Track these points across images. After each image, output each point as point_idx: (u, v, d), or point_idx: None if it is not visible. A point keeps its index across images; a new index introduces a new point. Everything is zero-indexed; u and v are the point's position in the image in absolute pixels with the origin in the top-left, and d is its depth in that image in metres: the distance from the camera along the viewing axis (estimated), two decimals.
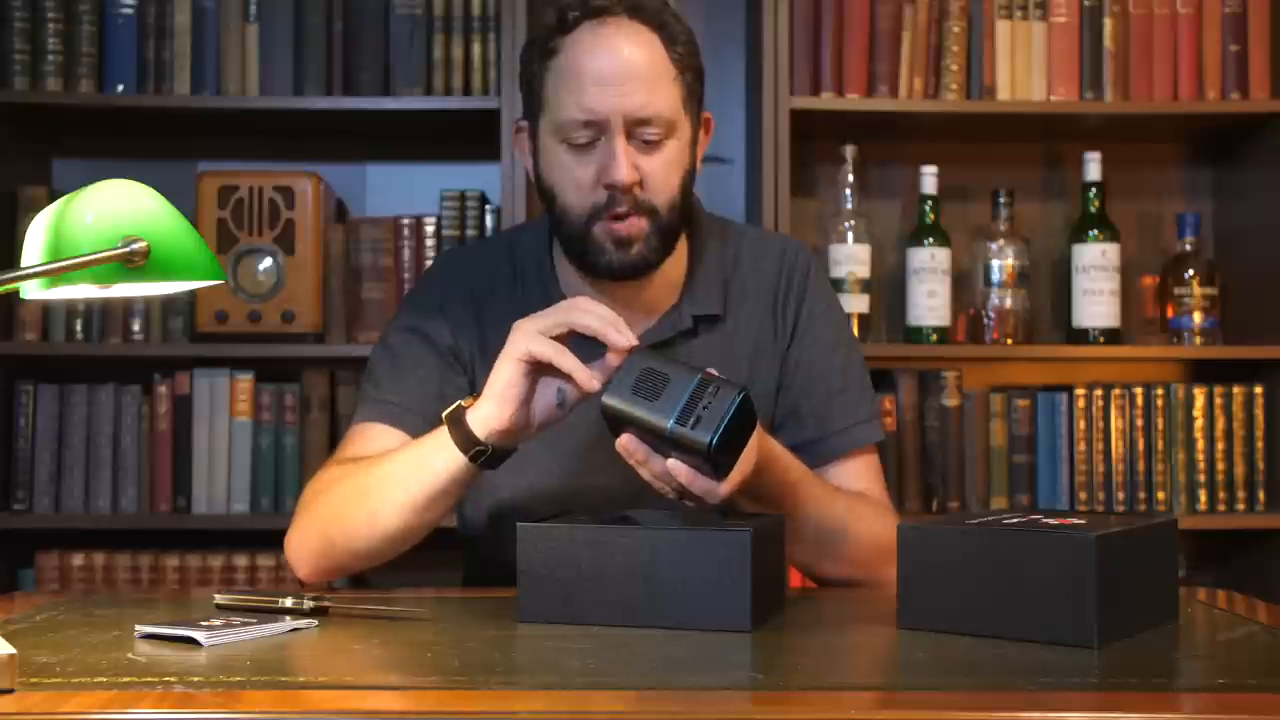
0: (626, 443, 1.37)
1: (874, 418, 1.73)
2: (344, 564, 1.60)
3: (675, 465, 1.35)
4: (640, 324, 1.67)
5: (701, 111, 1.67)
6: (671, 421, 1.32)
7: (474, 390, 1.66)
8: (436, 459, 1.49)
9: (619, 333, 1.40)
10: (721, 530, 1.29)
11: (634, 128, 1.57)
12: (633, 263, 1.60)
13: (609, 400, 1.35)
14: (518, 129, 1.69)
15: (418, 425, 1.61)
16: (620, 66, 1.56)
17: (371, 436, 1.64)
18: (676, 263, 1.68)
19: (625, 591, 1.29)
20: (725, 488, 1.37)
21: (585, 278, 1.66)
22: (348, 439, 1.67)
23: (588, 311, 1.42)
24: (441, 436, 1.48)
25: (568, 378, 1.42)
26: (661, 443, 1.35)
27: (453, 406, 1.48)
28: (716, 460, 1.33)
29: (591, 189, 1.58)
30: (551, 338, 1.42)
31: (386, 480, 1.53)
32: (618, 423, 1.36)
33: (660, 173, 1.59)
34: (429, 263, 2.59)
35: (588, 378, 1.40)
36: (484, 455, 1.47)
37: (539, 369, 1.43)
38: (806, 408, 1.69)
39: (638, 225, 1.59)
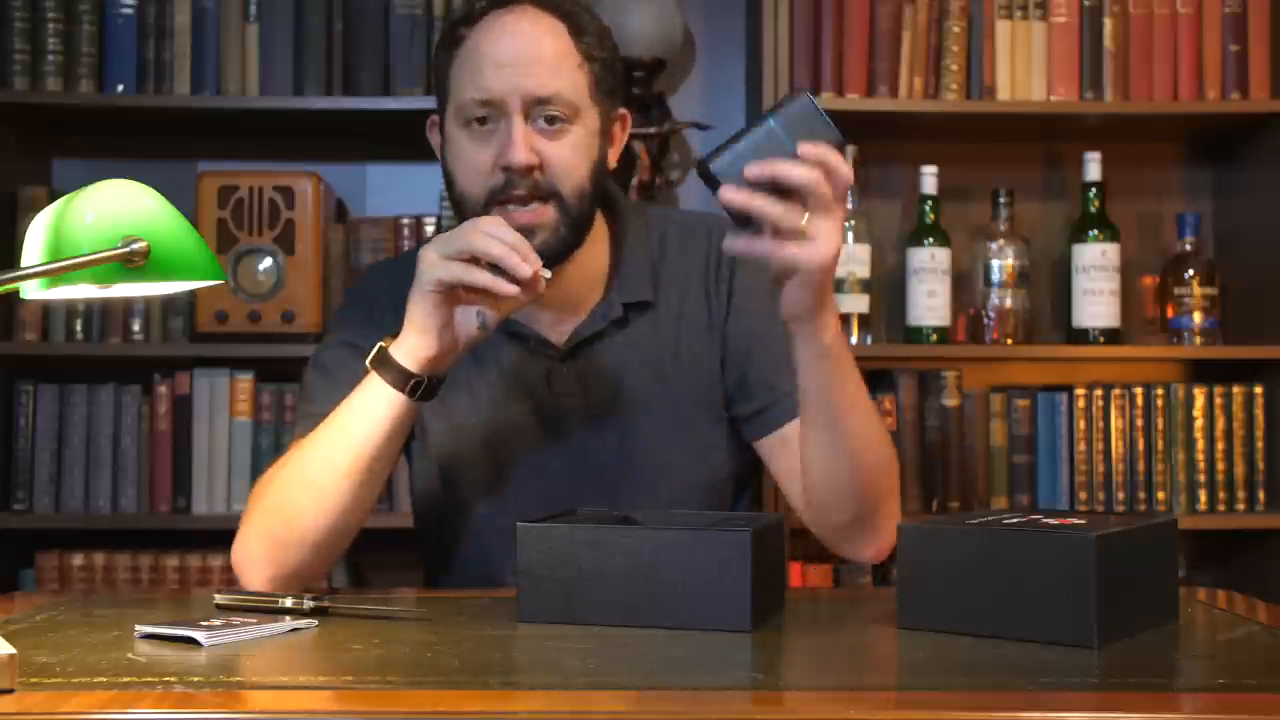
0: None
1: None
2: (296, 562, 1.53)
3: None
4: (570, 319, 1.66)
5: (615, 106, 1.65)
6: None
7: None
8: (374, 406, 1.48)
9: (523, 260, 1.40)
10: (721, 530, 1.29)
11: (533, 108, 1.56)
12: (538, 252, 1.54)
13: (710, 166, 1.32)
14: (431, 123, 1.68)
15: None
16: (519, 48, 1.57)
17: None
18: (599, 254, 1.67)
19: (625, 592, 1.29)
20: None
21: None
22: (285, 456, 1.63)
23: (491, 237, 1.41)
24: (371, 385, 1.48)
25: (484, 293, 1.42)
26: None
27: (374, 350, 1.47)
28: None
29: (489, 172, 1.56)
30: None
31: (324, 448, 1.50)
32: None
33: (562, 157, 1.57)
34: None
35: (504, 285, 1.40)
36: (420, 387, 1.47)
37: (453, 292, 1.44)
38: (753, 376, 1.66)
39: (542, 214, 1.56)
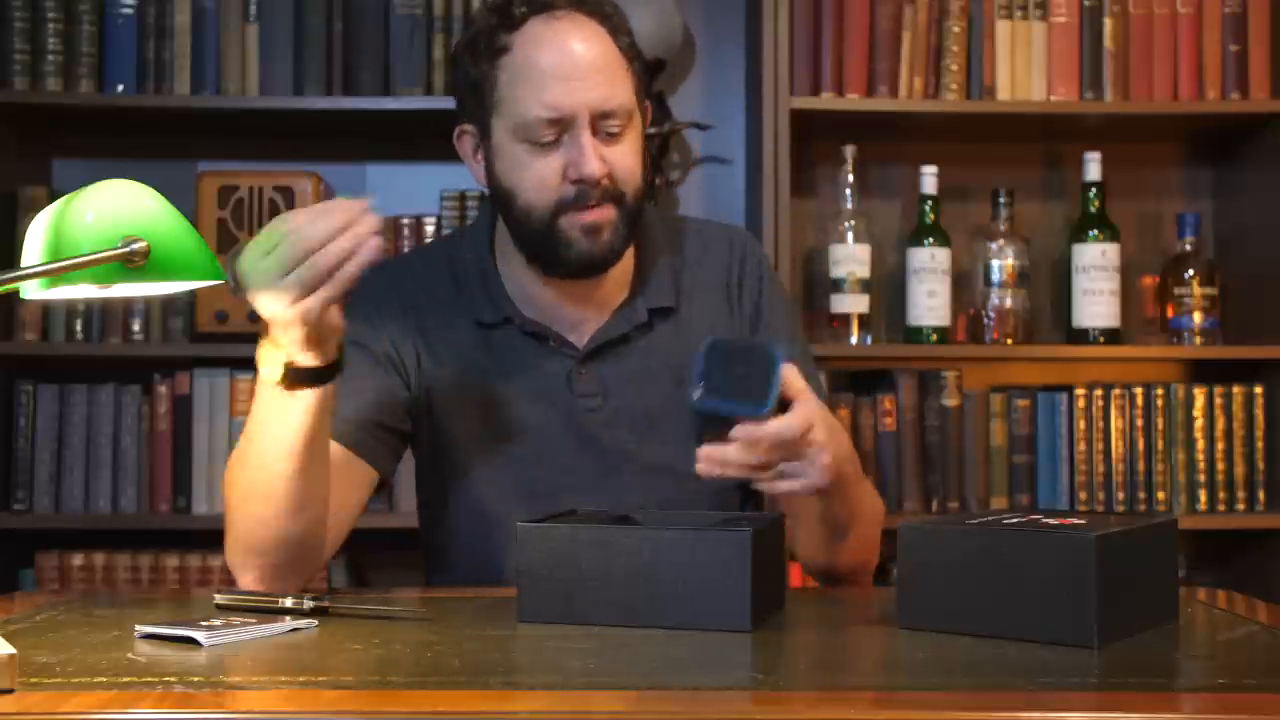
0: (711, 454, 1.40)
1: (830, 407, 1.71)
2: (282, 561, 1.52)
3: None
4: (592, 319, 1.67)
5: (645, 100, 1.67)
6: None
7: (418, 392, 1.66)
8: (298, 409, 1.43)
9: (360, 225, 1.34)
10: (722, 530, 1.29)
11: (598, 121, 1.56)
12: (602, 253, 1.59)
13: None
14: (461, 134, 1.65)
15: (353, 435, 1.58)
16: (580, 60, 1.55)
17: None
18: (624, 258, 1.66)
19: (626, 592, 1.29)
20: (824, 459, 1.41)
21: (538, 277, 1.64)
22: (232, 459, 1.60)
23: (320, 251, 1.33)
24: (285, 396, 1.42)
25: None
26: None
27: (278, 372, 1.41)
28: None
29: (557, 185, 1.56)
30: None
31: (264, 460, 1.47)
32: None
33: (625, 162, 1.58)
34: None
35: (366, 257, 1.34)
36: (332, 374, 1.44)
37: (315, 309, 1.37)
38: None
39: (608, 212, 1.58)
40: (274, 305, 1.35)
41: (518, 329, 1.65)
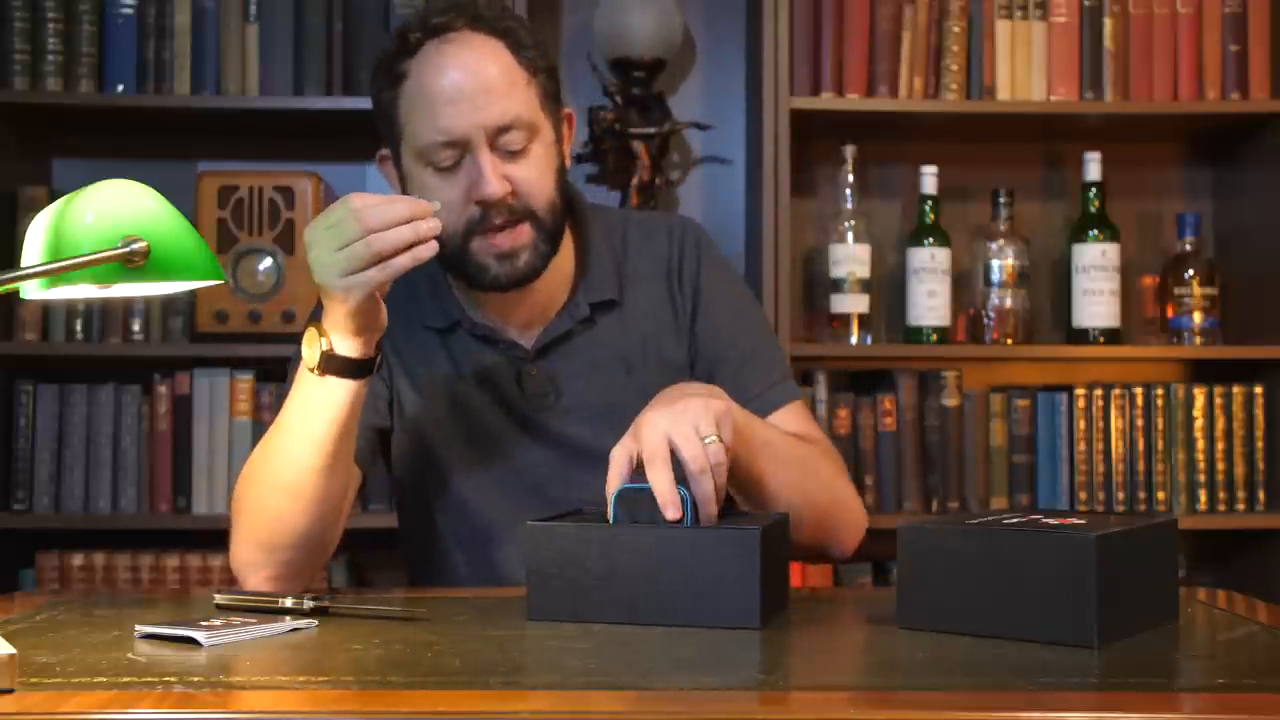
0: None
1: (787, 377, 1.72)
2: (289, 561, 1.53)
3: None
4: (538, 322, 1.68)
5: (561, 109, 1.66)
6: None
7: (393, 393, 1.68)
8: (332, 399, 1.46)
9: (424, 219, 1.39)
10: (731, 529, 1.30)
11: (496, 138, 1.55)
12: (521, 274, 1.59)
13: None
14: (381, 158, 1.66)
15: None
16: (471, 81, 1.55)
17: None
18: (564, 256, 1.67)
19: (634, 590, 1.29)
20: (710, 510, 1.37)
21: (473, 289, 1.65)
22: (253, 456, 1.61)
23: (385, 229, 1.37)
24: (321, 384, 1.46)
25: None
26: None
27: (315, 356, 1.44)
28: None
29: (463, 207, 1.56)
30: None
31: (289, 450, 1.49)
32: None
33: (531, 177, 1.58)
34: None
35: (424, 254, 1.39)
36: (372, 362, 1.47)
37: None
38: (721, 376, 1.66)
39: (521, 235, 1.58)
40: (326, 274, 1.39)
41: (468, 333, 1.68)
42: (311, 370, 1.46)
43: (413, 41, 1.57)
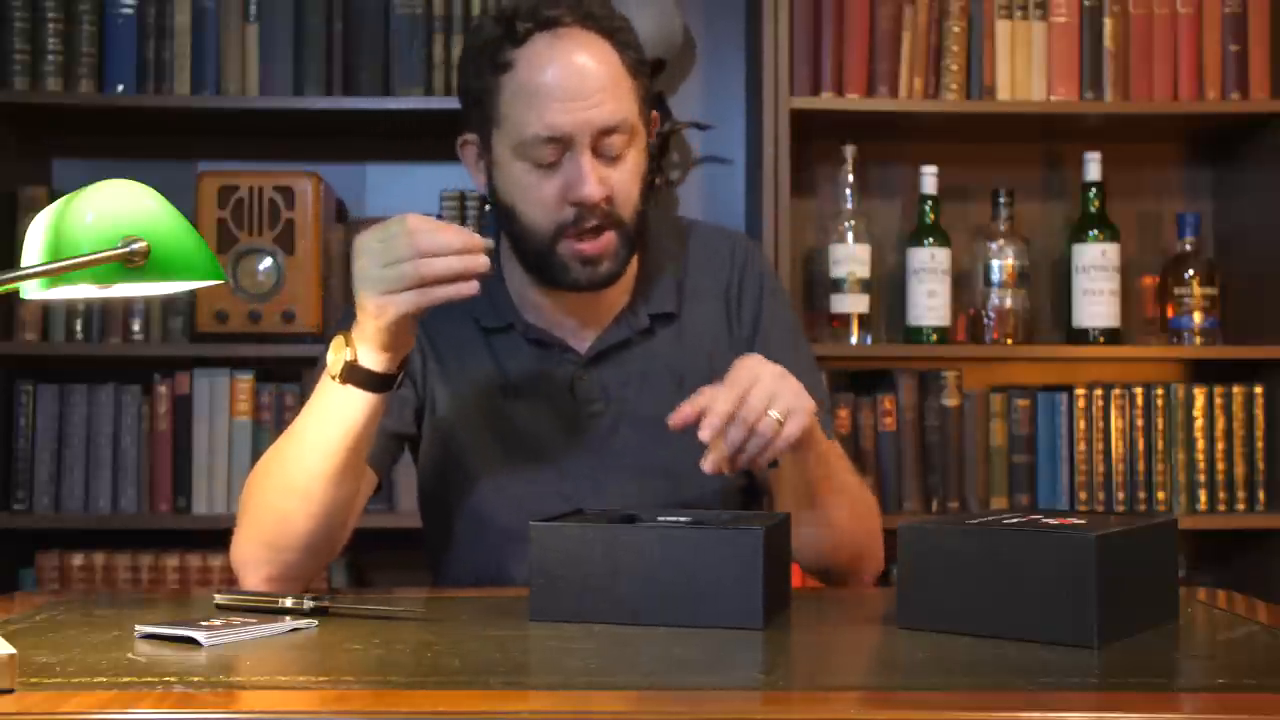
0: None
1: (828, 412, 1.75)
2: (291, 562, 1.53)
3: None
4: (593, 325, 1.67)
5: (651, 113, 1.66)
6: None
7: (424, 398, 1.66)
8: (349, 409, 1.46)
9: (474, 255, 1.39)
10: (734, 529, 1.30)
11: (599, 140, 1.54)
12: (601, 280, 1.59)
13: None
14: (465, 143, 1.64)
15: None
16: (582, 79, 1.53)
17: None
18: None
19: (638, 590, 1.29)
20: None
21: (540, 286, 1.64)
22: (267, 456, 1.61)
23: (437, 253, 1.37)
24: (339, 392, 1.45)
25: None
26: None
27: (340, 366, 1.44)
28: None
29: (557, 206, 1.55)
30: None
31: (302, 456, 1.49)
32: None
33: (626, 184, 1.57)
34: None
35: (466, 291, 1.39)
36: (392, 379, 1.47)
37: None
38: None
39: (608, 242, 1.57)
40: (367, 286, 1.39)
41: (520, 335, 1.66)
42: (333, 378, 1.46)
43: (520, 31, 1.55)
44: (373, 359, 1.44)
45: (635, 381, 1.66)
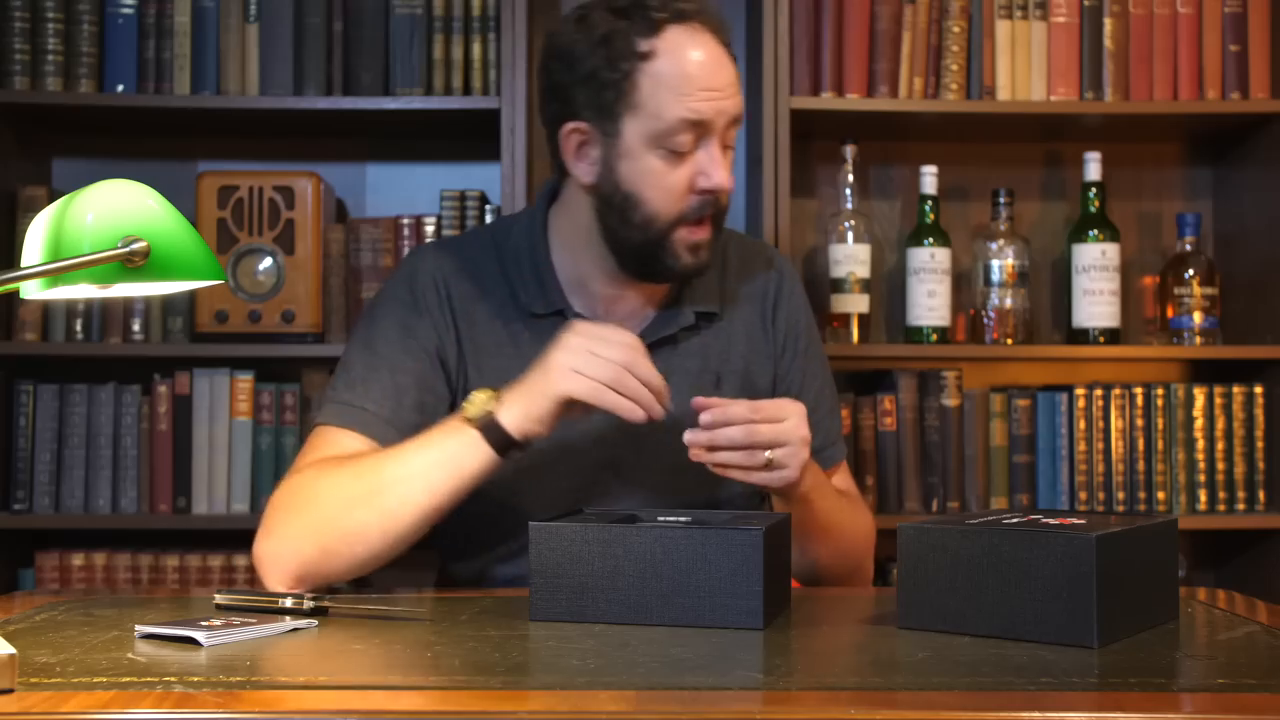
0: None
1: (841, 434, 1.84)
2: (334, 571, 1.53)
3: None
4: (638, 315, 1.70)
5: None
6: None
7: (453, 395, 1.67)
8: (467, 458, 1.50)
9: (660, 403, 1.49)
10: (734, 529, 1.30)
11: (726, 132, 1.60)
12: (698, 268, 1.65)
13: None
14: (571, 131, 1.63)
15: (389, 437, 1.59)
16: (721, 71, 1.60)
17: (344, 445, 1.60)
18: None
19: (637, 591, 1.29)
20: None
21: (596, 273, 1.66)
22: (317, 443, 1.62)
23: (640, 381, 1.47)
24: (465, 436, 1.49)
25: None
26: None
27: (480, 411, 1.49)
28: None
29: (683, 195, 1.60)
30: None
31: (404, 481, 1.51)
32: None
33: (731, 176, 1.63)
34: None
35: (638, 415, 1.47)
36: (517, 451, 1.51)
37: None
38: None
39: (709, 230, 1.63)
40: (567, 358, 1.47)
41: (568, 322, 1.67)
42: (467, 420, 1.50)
43: (655, 20, 1.58)
44: (514, 420, 1.48)
45: (677, 375, 1.67)
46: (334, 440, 1.61)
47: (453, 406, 1.66)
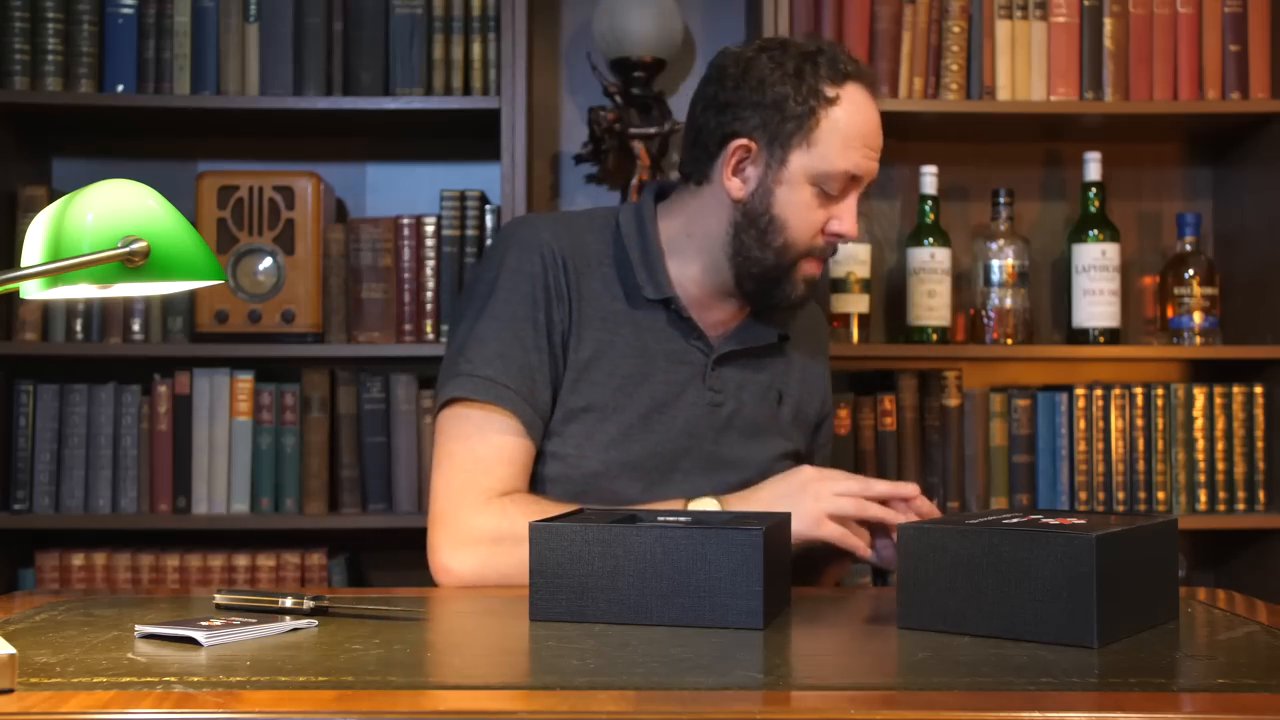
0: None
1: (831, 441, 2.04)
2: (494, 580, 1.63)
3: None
4: (727, 322, 1.81)
5: None
6: None
7: (554, 374, 1.71)
8: None
9: (859, 542, 1.65)
10: (734, 529, 1.30)
11: (864, 187, 1.74)
12: (804, 300, 1.78)
13: None
14: (743, 147, 1.72)
15: (527, 415, 1.66)
16: (880, 135, 1.74)
17: (491, 426, 1.65)
18: None
19: (637, 591, 1.29)
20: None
21: (701, 278, 1.76)
22: (463, 424, 1.67)
23: (871, 511, 1.63)
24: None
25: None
26: None
27: (715, 504, 1.64)
28: None
29: (817, 234, 1.72)
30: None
31: None
32: None
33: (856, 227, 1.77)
34: (429, 263, 2.60)
35: (862, 550, 1.64)
36: None
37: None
38: (817, 459, 1.93)
39: (820, 269, 1.77)
40: (819, 497, 1.62)
41: (675, 313, 1.76)
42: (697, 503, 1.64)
43: (843, 71, 1.70)
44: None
45: (750, 387, 1.80)
46: (486, 421, 1.66)
47: (558, 387, 1.72)
